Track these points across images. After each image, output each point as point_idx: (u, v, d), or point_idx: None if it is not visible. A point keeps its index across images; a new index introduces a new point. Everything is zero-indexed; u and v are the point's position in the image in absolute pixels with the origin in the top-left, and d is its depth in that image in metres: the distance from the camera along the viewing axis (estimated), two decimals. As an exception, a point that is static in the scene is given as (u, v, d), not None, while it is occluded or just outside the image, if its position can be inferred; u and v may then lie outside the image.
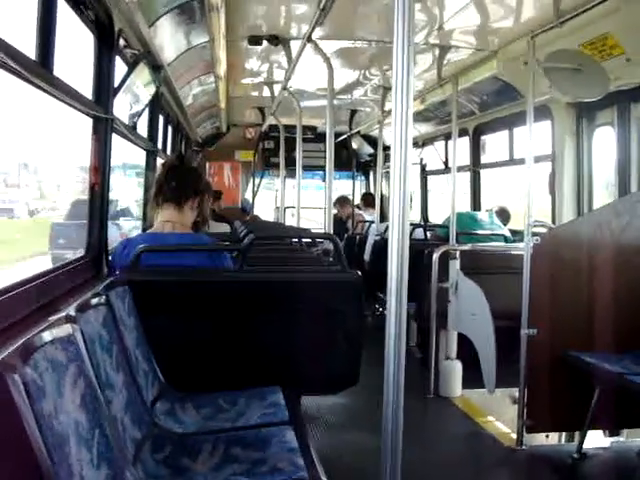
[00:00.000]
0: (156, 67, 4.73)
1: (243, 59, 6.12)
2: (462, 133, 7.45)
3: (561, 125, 5.80)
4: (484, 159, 7.90)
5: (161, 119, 6.38)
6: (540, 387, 4.12)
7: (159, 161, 5.85)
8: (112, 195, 4.17)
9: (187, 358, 3.22)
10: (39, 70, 2.57)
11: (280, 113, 7.93)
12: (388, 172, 7.77)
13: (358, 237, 9.01)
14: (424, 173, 9.91)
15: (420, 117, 8.23)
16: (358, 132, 10.53)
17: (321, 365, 3.40)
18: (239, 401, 3.07)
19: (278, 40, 5.22)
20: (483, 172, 7.92)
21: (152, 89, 4.86)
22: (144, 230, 4.81)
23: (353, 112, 9.55)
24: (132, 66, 4.17)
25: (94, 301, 2.57)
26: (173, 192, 3.54)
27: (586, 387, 3.89)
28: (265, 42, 5.24)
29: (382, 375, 1.97)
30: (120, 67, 3.92)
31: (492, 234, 6.42)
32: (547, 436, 4.39)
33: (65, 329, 2.01)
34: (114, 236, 7.12)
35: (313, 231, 7.43)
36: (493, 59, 5.51)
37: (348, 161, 11.02)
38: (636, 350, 3.92)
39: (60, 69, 2.76)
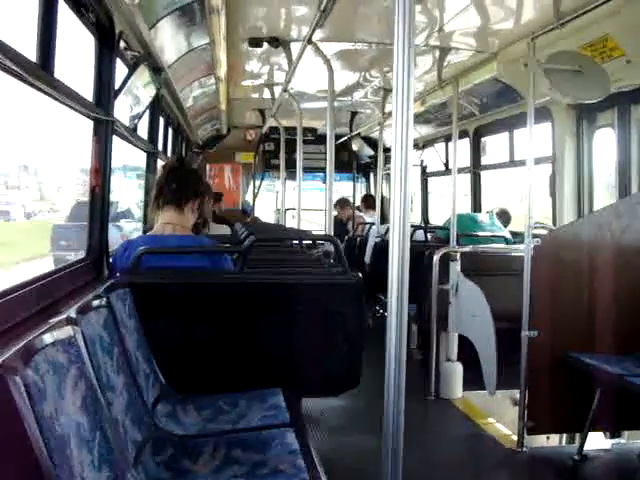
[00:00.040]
0: (157, 69, 4.73)
1: (243, 61, 6.13)
2: (462, 135, 7.45)
3: (561, 127, 5.80)
4: (484, 161, 7.90)
5: (162, 121, 6.38)
6: (541, 389, 4.12)
7: (160, 163, 5.85)
8: (113, 197, 4.18)
9: (188, 360, 3.22)
10: (40, 72, 2.57)
11: (280, 115, 7.93)
12: (388, 174, 7.74)
13: (359, 239, 9.00)
14: (424, 175, 9.91)
15: (420, 119, 8.23)
16: (358, 134, 10.54)
17: (322, 367, 3.41)
18: (240, 403, 3.07)
19: (278, 42, 5.22)
20: (483, 174, 7.92)
21: (152, 91, 4.86)
22: (145, 232, 4.81)
23: (353, 114, 9.54)
24: (133, 68, 4.17)
25: (95, 303, 2.57)
26: (173, 194, 3.55)
27: (587, 389, 3.89)
28: (265, 44, 5.24)
29: (383, 377, 1.97)
30: (121, 69, 3.93)
31: (493, 236, 6.41)
32: (548, 438, 4.39)
33: (66, 331, 2.01)
34: (115, 238, 7.12)
35: (314, 233, 7.43)
36: (493, 61, 5.51)
37: (349, 163, 11.02)
38: (637, 352, 3.92)
39: (61, 71, 2.77)
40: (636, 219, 4.08)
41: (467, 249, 5.40)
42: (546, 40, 4.25)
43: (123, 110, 4.25)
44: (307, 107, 7.57)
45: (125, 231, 13.38)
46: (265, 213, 12.37)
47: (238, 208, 11.75)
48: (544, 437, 4.38)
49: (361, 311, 3.49)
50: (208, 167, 11.66)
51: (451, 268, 5.24)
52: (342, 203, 10.41)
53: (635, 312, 4.03)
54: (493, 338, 4.57)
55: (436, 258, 5.21)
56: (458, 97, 5.92)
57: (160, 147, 6.40)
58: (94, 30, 3.45)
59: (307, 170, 7.62)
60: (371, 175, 12.40)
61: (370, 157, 11.84)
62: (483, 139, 7.76)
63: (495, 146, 7.70)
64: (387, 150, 8.35)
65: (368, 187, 12.61)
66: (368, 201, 10.29)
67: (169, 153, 7.36)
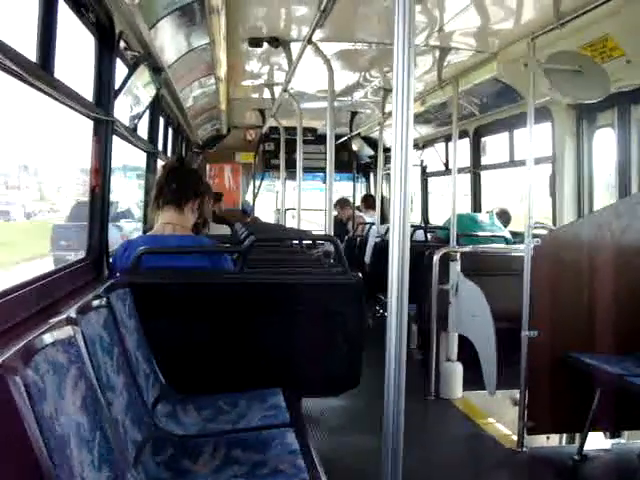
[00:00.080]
0: (157, 69, 4.73)
1: (243, 61, 6.13)
2: (462, 135, 7.45)
3: (561, 127, 5.80)
4: (484, 161, 7.90)
5: (162, 121, 6.38)
6: (541, 389, 4.12)
7: (160, 163, 5.85)
8: (113, 197, 4.17)
9: (188, 360, 3.22)
10: (40, 72, 2.57)
11: (280, 115, 7.93)
12: (388, 174, 7.75)
13: (359, 239, 9.00)
14: (424, 175, 9.91)
15: (420, 119, 8.23)
16: (358, 134, 10.53)
17: (322, 367, 3.41)
18: (240, 403, 3.07)
19: (278, 42, 5.22)
20: (483, 174, 7.92)
21: (153, 91, 4.86)
22: (144, 232, 4.81)
23: (353, 114, 9.54)
24: (133, 68, 4.17)
25: (95, 303, 2.57)
26: (173, 194, 3.55)
27: (587, 389, 3.89)
28: (265, 44, 5.24)
29: (383, 377, 1.97)
30: (121, 69, 3.93)
31: (493, 236, 6.41)
32: (548, 438, 4.39)
33: (66, 331, 2.01)
34: (115, 238, 7.12)
35: (314, 233, 7.43)
36: (493, 61, 5.51)
37: (349, 163, 11.02)
38: (637, 352, 3.92)
39: (61, 71, 2.76)
40: (636, 219, 4.08)
41: (467, 249, 5.40)
42: (546, 40, 4.25)
43: (123, 110, 4.25)
44: (307, 107, 7.57)
45: (125, 231, 13.38)
46: (265, 213, 12.37)
47: (238, 208, 11.75)
48: (544, 437, 4.38)
49: (361, 311, 3.49)
50: (208, 167, 11.66)
51: (451, 268, 5.24)
52: (342, 203, 10.40)
53: (635, 312, 4.03)
54: (493, 338, 4.57)
55: (436, 258, 5.21)
56: (458, 97, 5.92)
57: (160, 147, 6.40)
58: (94, 30, 3.45)
59: (307, 170, 7.62)
60: (371, 175, 12.40)
61: (370, 157, 11.84)
62: (483, 139, 7.76)
63: (495, 146, 7.70)
64: (387, 150, 8.35)
65: (368, 187, 12.61)
66: (368, 201, 10.29)
67: (169, 153, 7.36)
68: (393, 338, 1.95)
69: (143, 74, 4.42)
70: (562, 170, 5.81)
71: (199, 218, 3.68)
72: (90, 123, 3.52)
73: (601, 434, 4.33)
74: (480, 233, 6.44)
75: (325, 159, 4.94)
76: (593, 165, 5.76)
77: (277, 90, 7.17)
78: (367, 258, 8.15)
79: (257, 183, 10.75)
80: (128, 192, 16.02)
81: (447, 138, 8.47)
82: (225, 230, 6.72)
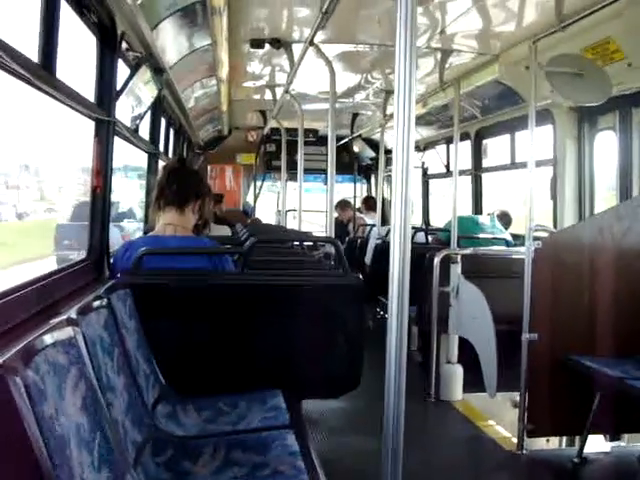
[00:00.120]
0: (158, 70, 4.73)
1: (245, 62, 6.13)
2: (464, 137, 7.45)
3: (563, 129, 5.81)
4: (486, 163, 7.90)
5: (163, 122, 6.38)
6: (541, 391, 4.12)
7: (161, 164, 5.86)
8: (114, 197, 4.17)
9: (188, 361, 3.22)
10: (41, 72, 2.58)
11: (282, 116, 7.93)
12: (390, 176, 7.76)
13: (359, 240, 9.00)
14: (426, 177, 9.91)
15: (422, 121, 8.24)
16: (360, 135, 10.53)
17: (322, 369, 3.40)
18: (240, 404, 3.07)
19: (280, 43, 5.23)
20: (485, 176, 7.92)
21: (154, 92, 4.87)
22: (146, 233, 4.81)
23: (355, 115, 9.55)
24: (134, 69, 4.17)
25: (95, 304, 2.57)
26: (174, 195, 3.54)
27: (587, 391, 3.89)
28: (267, 45, 5.24)
29: (383, 379, 1.97)
30: (122, 70, 3.94)
31: (493, 238, 6.42)
32: (548, 440, 4.39)
33: (66, 332, 2.01)
34: (116, 238, 7.12)
35: (314, 234, 7.44)
36: (495, 63, 5.51)
37: (350, 164, 11.02)
38: (637, 355, 3.91)
39: (62, 71, 2.77)
40: (637, 222, 4.08)
41: (468, 251, 5.40)
42: (548, 43, 4.25)
43: (125, 111, 4.25)
44: (308, 108, 7.57)
45: (126, 231, 13.39)
46: (266, 214, 12.37)
47: (239, 209, 11.75)
48: (544, 439, 4.37)
49: (361, 313, 3.49)
50: (209, 168, 11.66)
51: (452, 270, 5.24)
52: (342, 205, 10.39)
53: (635, 315, 4.03)
54: (493, 340, 4.57)
55: (437, 260, 5.20)
56: (459, 99, 5.92)
57: (161, 148, 6.40)
58: (96, 31, 3.46)
59: (308, 171, 7.63)
60: (372, 177, 12.40)
61: (371, 159, 11.85)
62: (484, 141, 7.77)
63: (496, 148, 7.70)
64: (388, 152, 8.35)
65: (369, 189, 12.61)
66: (369, 203, 10.29)
67: (170, 154, 7.37)
68: (393, 340, 1.95)
69: (145, 75, 4.42)
70: (563, 173, 5.82)
71: (200, 219, 3.68)
72: (91, 124, 3.53)
73: (601, 437, 4.32)
74: (481, 235, 6.44)
75: (326, 160, 4.94)
76: (594, 168, 5.77)
77: (279, 91, 7.18)
78: (368, 260, 8.14)
79: (258, 184, 10.75)
80: (129, 192, 16.03)
81: (448, 140, 8.47)
82: (226, 231, 6.72)
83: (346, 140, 10.29)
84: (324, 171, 5.74)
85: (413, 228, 6.70)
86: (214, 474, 2.44)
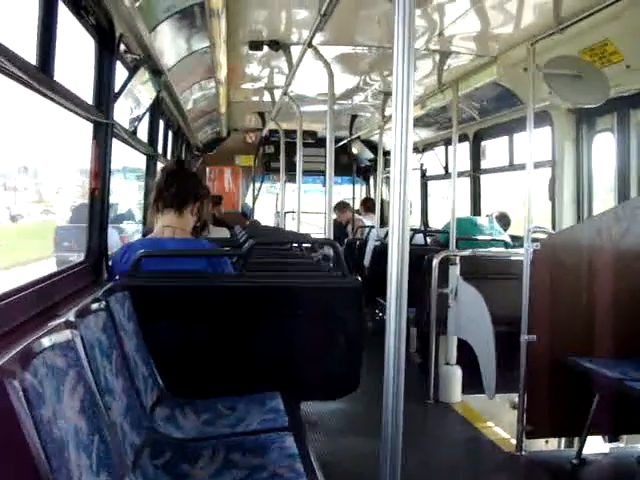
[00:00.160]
0: (157, 72, 4.73)
1: (244, 64, 6.13)
2: (462, 138, 7.46)
3: (561, 131, 5.81)
4: (484, 164, 7.91)
5: (161, 124, 6.38)
6: (540, 392, 4.12)
7: (159, 166, 5.85)
8: (112, 199, 4.17)
9: (187, 363, 3.22)
10: (39, 75, 2.57)
11: (280, 118, 7.93)
12: (388, 177, 7.77)
13: (358, 242, 9.00)
14: (424, 178, 9.92)
15: (420, 122, 8.24)
16: (358, 137, 10.54)
17: (321, 371, 3.40)
18: (239, 407, 3.06)
19: (279, 45, 5.23)
20: (483, 177, 7.93)
21: (153, 94, 4.87)
22: (144, 235, 4.81)
23: (353, 117, 9.55)
24: (133, 71, 4.17)
25: (94, 306, 2.57)
26: (173, 197, 3.54)
27: (586, 392, 3.89)
28: (266, 47, 5.24)
29: (382, 380, 1.97)
30: (121, 72, 3.93)
31: (492, 239, 6.42)
32: (547, 441, 4.39)
33: (65, 335, 2.01)
34: (114, 240, 7.11)
35: (313, 236, 7.44)
36: (493, 65, 5.51)
37: (348, 166, 11.02)
38: (635, 356, 3.91)
39: (60, 74, 2.76)
40: (635, 223, 4.08)
41: (466, 253, 5.40)
42: (546, 44, 4.26)
43: (123, 113, 4.25)
44: (307, 110, 7.57)
45: (125, 233, 13.38)
46: (265, 216, 12.37)
47: (238, 211, 11.75)
48: (543, 441, 4.37)
49: (360, 315, 3.48)
50: (208, 170, 11.66)
51: (450, 272, 5.24)
52: (341, 206, 10.37)
53: (634, 316, 4.03)
54: (492, 342, 4.57)
55: (435, 262, 5.20)
56: (458, 101, 5.93)
57: (160, 150, 6.40)
58: (94, 33, 3.45)
59: (307, 173, 7.63)
60: (371, 178, 12.41)
61: (370, 160, 11.85)
62: (483, 143, 7.77)
63: (495, 150, 7.71)
64: (387, 153, 8.36)
65: (368, 190, 12.61)
66: (367, 204, 10.30)
67: (169, 156, 7.37)
68: (392, 341, 1.95)
69: (143, 77, 4.42)
70: (562, 174, 5.82)
71: (198, 221, 3.68)
72: (90, 126, 3.52)
73: (600, 438, 4.33)
74: (480, 237, 6.44)
75: (325, 162, 4.94)
76: (592, 169, 5.77)
77: (277, 93, 7.18)
78: (366, 261, 8.14)
79: (257, 186, 10.76)
80: (128, 194, 16.03)
81: (447, 142, 8.48)
82: (225, 233, 6.72)
83: (345, 142, 10.29)
84: (323, 173, 5.73)
85: (412, 230, 6.72)
86: (213, 477, 2.44)
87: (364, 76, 6.65)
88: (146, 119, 5.40)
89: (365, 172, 12.41)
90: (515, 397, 4.35)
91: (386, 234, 6.83)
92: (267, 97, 7.66)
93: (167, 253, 3.48)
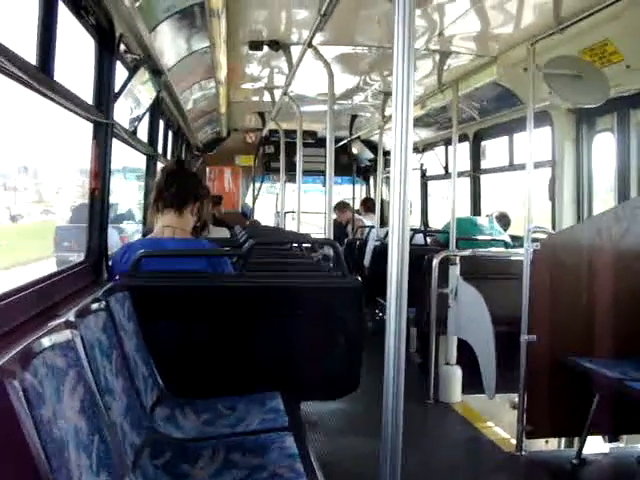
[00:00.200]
0: (157, 72, 4.73)
1: (244, 64, 6.13)
2: (462, 138, 7.46)
3: (561, 131, 5.81)
4: (484, 164, 7.91)
5: (161, 124, 6.38)
6: (540, 392, 4.12)
7: (159, 166, 5.85)
8: (112, 198, 4.17)
9: (187, 363, 3.22)
10: (39, 75, 2.57)
11: (280, 118, 7.93)
12: (388, 177, 7.77)
13: (358, 242, 9.00)
14: (424, 178, 9.92)
15: (420, 122, 8.24)
16: (358, 137, 10.54)
17: (321, 371, 3.40)
18: (239, 407, 3.06)
19: (279, 45, 5.23)
20: (483, 177, 7.93)
21: (153, 94, 4.87)
22: (144, 235, 4.81)
23: (353, 117, 9.55)
24: (133, 71, 4.17)
25: (94, 306, 2.57)
26: (173, 197, 3.54)
27: (586, 392, 3.89)
28: (266, 47, 5.24)
29: (382, 380, 1.97)
30: (121, 72, 3.93)
31: (492, 239, 6.42)
32: (547, 441, 4.39)
33: (65, 335, 2.01)
34: (114, 240, 7.11)
35: (313, 236, 7.44)
36: (493, 65, 5.51)
37: (348, 166, 11.02)
38: (635, 356, 3.91)
39: (60, 74, 2.76)
40: (635, 223, 4.08)
41: (466, 253, 5.40)
42: (546, 44, 4.26)
43: (123, 113, 4.25)
44: (307, 110, 7.57)
45: (125, 233, 13.39)
46: (265, 216, 12.36)
47: (238, 211, 11.75)
48: (543, 441, 4.37)
49: (360, 315, 3.48)
50: (208, 170, 11.66)
51: (450, 272, 5.24)
52: (341, 206, 10.37)
53: (634, 316, 4.03)
54: (492, 342, 4.57)
55: (435, 262, 5.20)
56: (458, 101, 5.93)
57: (160, 150, 6.40)
58: (94, 33, 3.45)
59: (307, 173, 7.63)
60: (371, 178, 12.40)
61: (370, 160, 11.85)
62: (483, 143, 7.77)
63: (495, 150, 7.71)
64: (387, 153, 8.36)
65: (368, 190, 12.61)
66: (367, 204, 10.29)
67: (169, 156, 7.37)
68: (392, 341, 1.95)
69: (143, 77, 4.42)
70: (562, 174, 5.82)
71: (198, 221, 3.68)
72: (90, 126, 3.52)
73: (600, 438, 4.33)
74: (480, 237, 6.44)
75: (325, 162, 4.94)
76: (592, 169, 5.77)
77: (277, 93, 7.18)
78: (366, 261, 8.14)
79: (257, 186, 10.76)
80: (128, 194, 16.03)
81: (447, 142, 8.48)
82: (225, 233, 6.72)
83: (345, 142, 10.30)
84: (323, 173, 5.74)
85: (412, 230, 6.72)
86: (213, 477, 2.44)
87: (364, 76, 6.65)
88: (146, 119, 5.40)
89: (365, 172, 12.41)
90: (515, 397, 4.36)
91: (386, 234, 6.83)
92: (267, 97, 7.66)
93: (167, 253, 3.48)
